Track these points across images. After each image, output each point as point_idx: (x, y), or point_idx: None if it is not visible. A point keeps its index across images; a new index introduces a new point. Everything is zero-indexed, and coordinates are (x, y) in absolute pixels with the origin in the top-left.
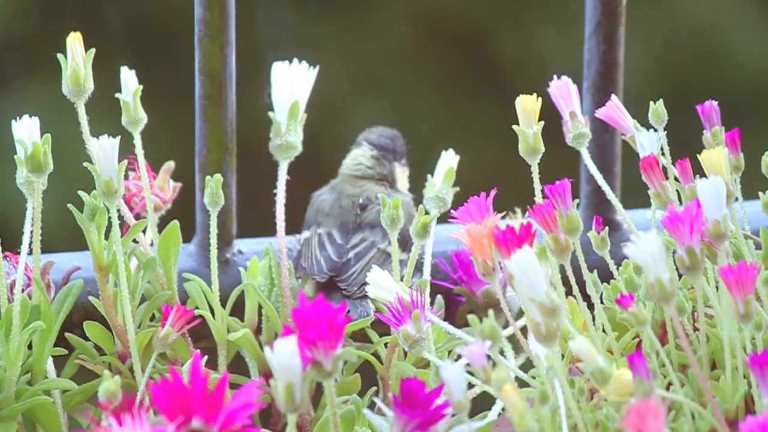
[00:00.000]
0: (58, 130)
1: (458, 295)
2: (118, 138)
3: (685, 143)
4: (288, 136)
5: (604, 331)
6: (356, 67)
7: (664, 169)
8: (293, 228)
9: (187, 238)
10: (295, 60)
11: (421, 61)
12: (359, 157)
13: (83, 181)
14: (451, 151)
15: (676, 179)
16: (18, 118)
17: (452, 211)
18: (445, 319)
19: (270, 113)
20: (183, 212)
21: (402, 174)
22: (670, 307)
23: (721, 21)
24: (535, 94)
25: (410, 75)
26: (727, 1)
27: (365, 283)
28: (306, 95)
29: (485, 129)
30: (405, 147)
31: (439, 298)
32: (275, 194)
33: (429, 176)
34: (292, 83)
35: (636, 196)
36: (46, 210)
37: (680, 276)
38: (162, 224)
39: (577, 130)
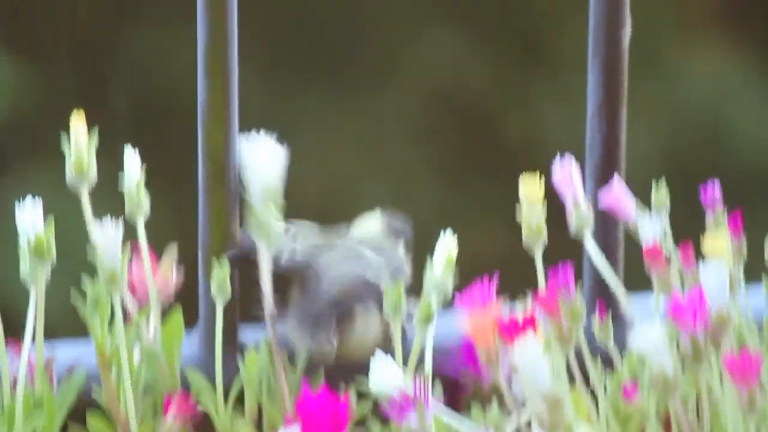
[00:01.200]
0: (62, 213)
1: (463, 382)
2: (122, 225)
3: (688, 224)
4: (265, 217)
5: (608, 421)
6: (361, 146)
7: (668, 254)
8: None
9: (189, 324)
10: (263, 135)
11: (426, 140)
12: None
13: (85, 260)
14: (449, 234)
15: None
16: (21, 199)
17: (456, 294)
18: (449, 406)
19: (245, 195)
20: (185, 297)
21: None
22: (674, 397)
23: (725, 101)
24: (538, 176)
25: (415, 154)
26: (732, 81)
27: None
28: (280, 172)
29: (489, 208)
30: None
31: (438, 385)
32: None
33: (429, 258)
34: (264, 161)
35: (639, 278)
36: (48, 293)
37: (684, 365)
38: (165, 311)
39: (580, 216)
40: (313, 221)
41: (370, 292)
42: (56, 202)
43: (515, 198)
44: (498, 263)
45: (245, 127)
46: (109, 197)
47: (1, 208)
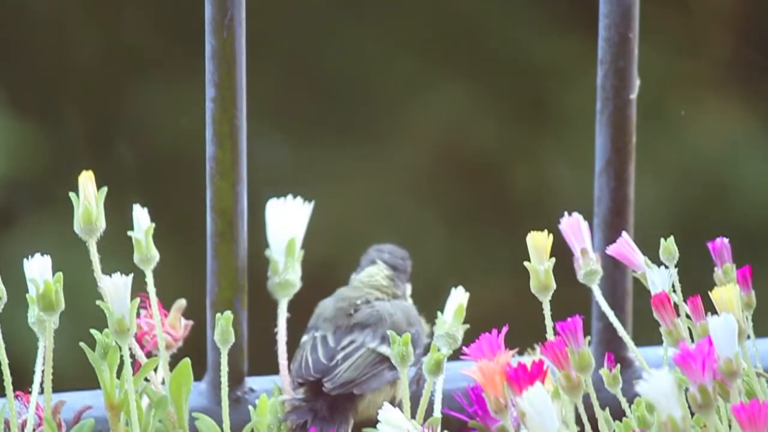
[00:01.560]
0: (70, 266)
1: (473, 430)
2: (131, 276)
3: (696, 279)
4: (286, 274)
5: None
6: (368, 198)
7: (676, 306)
8: None
9: (198, 376)
10: (290, 196)
11: (433, 192)
12: (375, 275)
13: (94, 317)
14: (461, 289)
15: (687, 316)
16: (30, 255)
17: (464, 347)
18: None
19: (266, 251)
20: (194, 350)
21: (407, 291)
22: None
23: (733, 157)
24: (546, 231)
25: (421, 206)
26: (739, 138)
27: (350, 382)
28: (302, 231)
29: (496, 262)
30: (410, 266)
31: None
32: (270, 331)
33: (439, 313)
34: (287, 220)
35: (647, 333)
36: (57, 347)
37: (692, 414)
38: (173, 362)
39: (588, 267)
40: (319, 271)
41: (381, 364)
42: (64, 259)
43: (522, 251)
44: (505, 316)
45: (255, 182)
46: (117, 253)
47: (9, 262)
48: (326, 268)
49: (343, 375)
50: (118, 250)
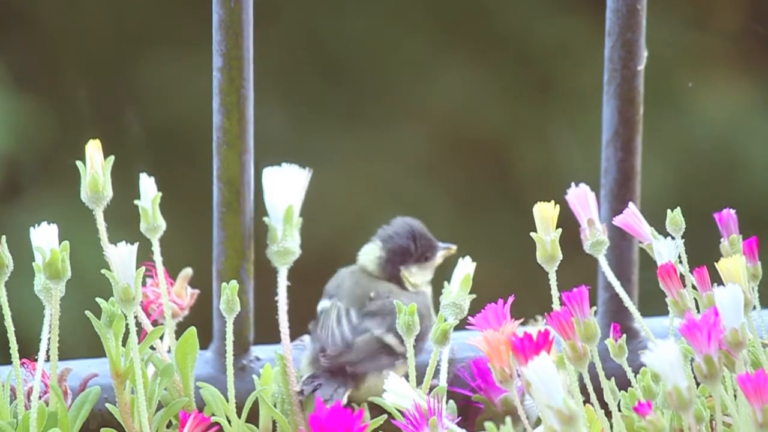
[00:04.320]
0: (76, 239)
1: (477, 403)
2: (136, 245)
3: (704, 254)
4: (285, 242)
5: None
6: (374, 175)
7: (682, 277)
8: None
9: (204, 345)
10: (285, 163)
11: (440, 170)
12: (369, 254)
13: (101, 289)
14: (467, 259)
15: (693, 287)
16: (36, 225)
17: (470, 318)
18: (462, 427)
19: (265, 219)
20: (200, 319)
21: (418, 275)
22: (688, 415)
23: (740, 129)
24: (552, 202)
25: (428, 182)
26: (746, 109)
27: (346, 360)
28: (300, 198)
29: (503, 236)
30: (429, 243)
31: (452, 403)
32: (276, 301)
33: (445, 282)
34: (284, 187)
35: (653, 304)
36: (64, 317)
37: (698, 384)
38: (179, 331)
39: (594, 237)
40: (325, 253)
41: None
42: (73, 230)
43: (528, 231)
44: (512, 289)
45: (260, 156)
46: (124, 224)
47: (16, 235)
48: (332, 244)
49: (354, 359)
50: (124, 221)
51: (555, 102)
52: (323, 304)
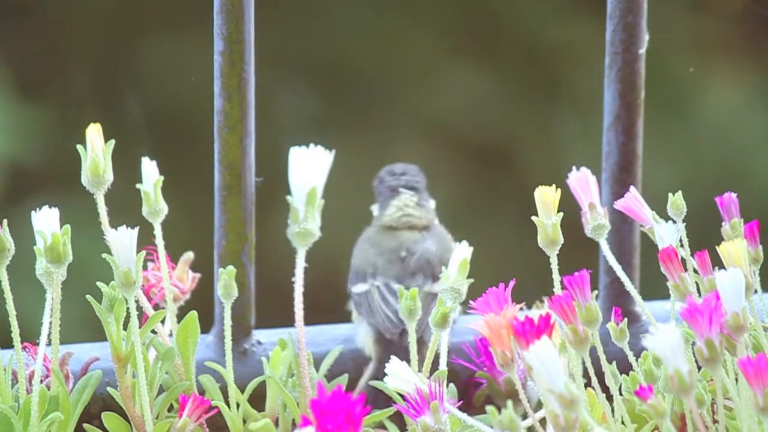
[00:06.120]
0: (79, 239)
1: (479, 379)
2: (137, 229)
3: (703, 236)
4: (306, 223)
5: (623, 422)
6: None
7: (683, 260)
8: (313, 317)
9: (206, 329)
10: (312, 144)
11: (446, 167)
12: (404, 207)
13: (103, 275)
14: (465, 243)
15: (695, 271)
16: (37, 209)
17: (471, 302)
18: (463, 402)
19: (288, 198)
20: (202, 303)
21: (432, 206)
22: (690, 399)
23: (742, 114)
24: (554, 186)
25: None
26: (748, 94)
27: (425, 328)
28: (323, 180)
29: (512, 238)
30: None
31: (452, 386)
32: (293, 282)
33: (443, 267)
34: (309, 168)
35: (655, 288)
36: (65, 302)
37: (699, 368)
38: (181, 315)
39: (596, 221)
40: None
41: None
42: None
43: (535, 233)
44: (513, 273)
45: (263, 141)
46: (126, 209)
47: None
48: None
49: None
50: (125, 206)
51: (563, 103)
52: (360, 287)
